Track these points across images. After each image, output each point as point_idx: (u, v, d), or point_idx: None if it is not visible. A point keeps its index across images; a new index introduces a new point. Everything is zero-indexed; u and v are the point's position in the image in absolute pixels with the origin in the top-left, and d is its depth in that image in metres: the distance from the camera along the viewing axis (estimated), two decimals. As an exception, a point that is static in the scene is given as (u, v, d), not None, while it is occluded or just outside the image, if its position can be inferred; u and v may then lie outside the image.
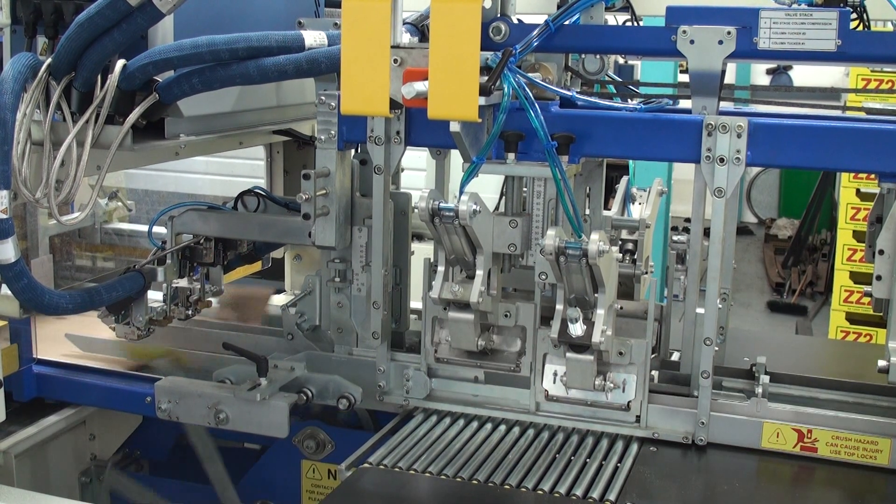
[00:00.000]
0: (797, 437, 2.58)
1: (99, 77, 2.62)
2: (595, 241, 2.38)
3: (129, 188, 6.41)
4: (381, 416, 3.02)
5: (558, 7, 2.59)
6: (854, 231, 6.72)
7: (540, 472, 2.50)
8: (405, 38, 2.48)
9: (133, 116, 2.62)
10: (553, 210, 2.79)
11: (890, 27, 2.87)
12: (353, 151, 2.88)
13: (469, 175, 2.47)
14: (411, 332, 3.08)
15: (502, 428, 2.76)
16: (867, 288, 2.57)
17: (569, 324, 2.54)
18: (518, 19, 2.61)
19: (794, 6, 2.40)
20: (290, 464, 3.19)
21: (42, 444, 3.14)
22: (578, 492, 2.40)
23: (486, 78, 2.28)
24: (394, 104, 2.36)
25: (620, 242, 3.07)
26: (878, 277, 2.50)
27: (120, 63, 2.59)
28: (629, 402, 2.66)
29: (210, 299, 3.20)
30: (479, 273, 2.61)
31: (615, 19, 2.99)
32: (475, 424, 2.79)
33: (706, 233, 2.57)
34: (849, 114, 2.65)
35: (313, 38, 2.66)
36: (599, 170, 2.94)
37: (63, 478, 3.30)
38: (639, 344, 2.64)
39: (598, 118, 2.57)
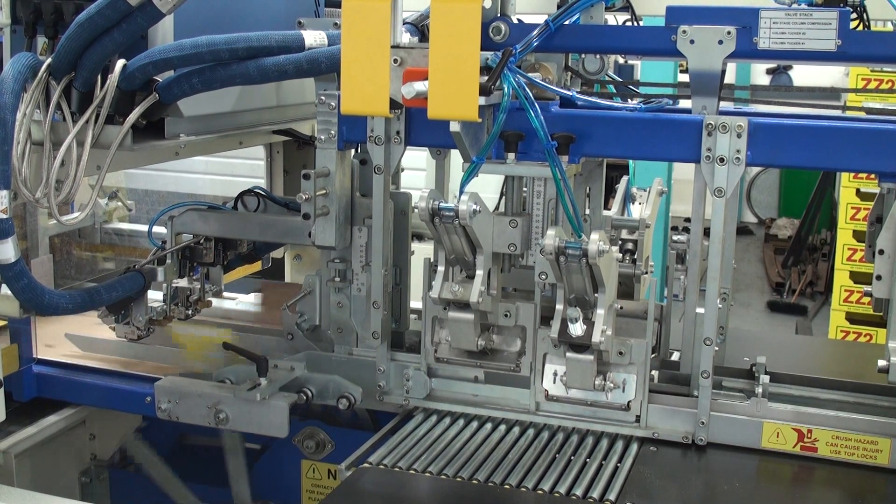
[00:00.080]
0: (797, 437, 2.58)
1: (99, 77, 2.62)
2: (595, 241, 2.38)
3: (129, 188, 6.40)
4: (381, 416, 3.02)
5: (558, 7, 2.59)
6: (854, 231, 6.72)
7: (540, 471, 2.50)
8: (405, 38, 2.48)
9: (133, 116, 2.62)
10: (553, 210, 2.79)
11: (890, 27, 2.87)
12: (353, 151, 2.89)
13: (469, 175, 2.47)
14: (411, 332, 3.08)
15: (502, 428, 2.76)
16: (867, 288, 2.57)
17: (569, 324, 2.54)
18: (518, 19, 2.61)
19: (794, 6, 2.40)
20: (290, 464, 3.19)
21: (42, 444, 3.13)
22: (578, 492, 2.41)
23: (486, 78, 2.28)
24: (394, 104, 2.36)
25: (620, 242, 3.07)
26: (878, 277, 2.50)
27: (120, 63, 2.59)
28: (629, 401, 2.66)
29: (210, 299, 3.20)
30: (479, 273, 2.61)
31: (615, 19, 2.99)
32: (475, 424, 2.79)
33: (706, 233, 2.57)
34: (849, 114, 2.65)
35: (313, 38, 2.66)
36: (599, 170, 2.94)
37: (63, 478, 3.30)
38: (639, 344, 2.64)
39: (598, 118, 2.57)
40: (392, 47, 2.31)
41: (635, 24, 2.81)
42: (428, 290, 2.71)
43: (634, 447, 2.63)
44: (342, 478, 2.55)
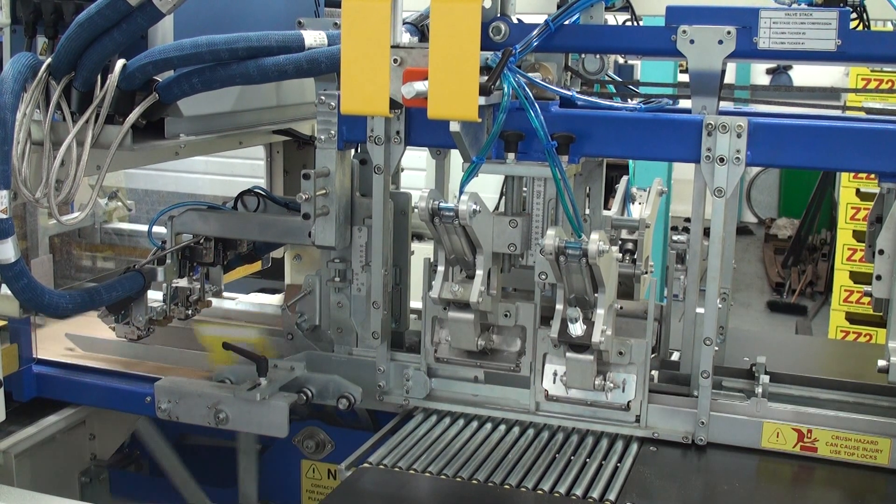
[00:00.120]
0: (797, 437, 2.58)
1: (99, 77, 2.62)
2: (595, 240, 2.38)
3: (129, 188, 6.41)
4: (381, 416, 3.02)
5: (558, 7, 2.59)
6: (854, 231, 6.72)
7: (540, 471, 2.50)
8: (405, 38, 2.48)
9: (133, 116, 2.62)
10: (553, 210, 2.79)
11: (890, 27, 2.87)
12: (353, 151, 2.89)
13: (469, 175, 2.47)
14: (411, 332, 3.08)
15: (502, 428, 2.76)
16: (867, 288, 2.57)
17: (569, 324, 2.54)
18: (518, 19, 2.61)
19: (794, 6, 2.40)
20: (291, 464, 3.19)
21: (42, 444, 3.13)
22: (578, 492, 2.40)
23: (486, 78, 2.28)
24: (394, 104, 2.36)
25: (620, 242, 3.07)
26: (878, 277, 2.50)
27: (120, 63, 2.59)
28: (629, 401, 2.66)
29: (210, 299, 3.20)
30: (479, 273, 2.61)
31: (615, 19, 2.99)
32: (475, 424, 2.79)
33: (706, 233, 2.57)
34: (849, 114, 2.65)
35: (313, 38, 2.66)
36: (599, 170, 2.94)
37: (63, 478, 3.30)
38: (639, 344, 2.64)
39: (598, 118, 2.57)
40: (392, 47, 2.32)
41: (635, 24, 2.81)
42: (428, 290, 2.71)
43: (634, 447, 2.63)
44: (342, 478, 2.55)
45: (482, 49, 2.26)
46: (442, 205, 2.51)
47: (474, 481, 2.46)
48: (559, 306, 2.58)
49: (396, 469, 2.52)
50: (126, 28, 2.50)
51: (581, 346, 2.58)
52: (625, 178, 3.30)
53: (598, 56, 2.68)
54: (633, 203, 3.23)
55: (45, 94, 2.62)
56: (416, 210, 2.56)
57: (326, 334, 3.04)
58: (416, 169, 4.79)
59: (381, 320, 2.85)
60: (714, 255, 2.56)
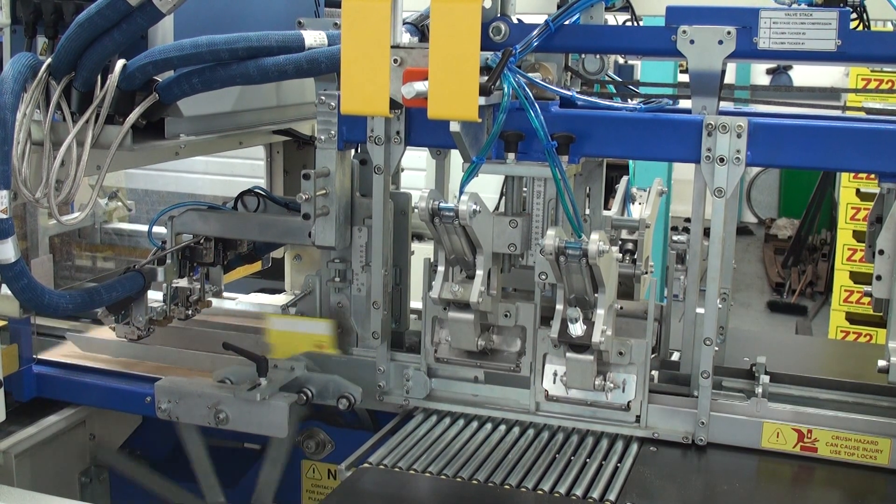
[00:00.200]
0: (797, 437, 2.58)
1: (99, 77, 2.62)
2: (595, 241, 2.38)
3: (129, 188, 6.41)
4: (381, 416, 3.02)
5: (558, 7, 2.59)
6: (854, 231, 6.72)
7: (540, 472, 2.50)
8: (405, 38, 2.48)
9: (133, 116, 2.62)
10: (553, 210, 2.79)
11: (890, 27, 2.87)
12: (353, 151, 2.89)
13: (469, 175, 2.47)
14: (411, 332, 3.08)
15: (502, 428, 2.76)
16: (867, 288, 2.57)
17: (569, 324, 2.54)
18: (518, 19, 2.61)
19: (794, 6, 2.40)
20: (291, 464, 3.19)
21: (42, 444, 3.13)
22: (578, 492, 2.40)
23: (486, 78, 2.28)
24: (394, 104, 2.36)
25: (620, 242, 3.07)
26: (878, 277, 2.50)
27: (120, 63, 2.59)
28: (629, 402, 2.66)
29: (210, 299, 3.20)
30: (479, 273, 2.61)
31: (615, 19, 2.99)
32: (475, 424, 2.78)
33: (706, 233, 2.57)
34: (849, 114, 2.65)
35: (313, 38, 2.66)
36: (599, 170, 2.94)
37: (63, 478, 3.30)
38: (639, 344, 2.64)
39: (598, 118, 2.57)
40: (392, 47, 2.31)
41: (635, 24, 2.81)
42: (428, 290, 2.71)
43: (634, 447, 2.63)
44: (342, 478, 2.55)
45: (482, 49, 2.26)
46: (442, 205, 2.51)
47: (474, 481, 2.46)
48: (559, 306, 2.58)
49: (396, 469, 2.52)
50: (126, 28, 2.50)
51: (581, 346, 2.58)
52: (625, 178, 3.30)
53: (598, 56, 2.68)
54: (633, 203, 3.24)
55: (46, 94, 2.63)
56: (416, 210, 2.56)
57: (326, 334, 3.04)
58: (416, 169, 4.79)
59: (381, 320, 2.85)
60: (714, 256, 2.56)
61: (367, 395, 2.91)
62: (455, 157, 2.80)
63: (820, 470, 2.55)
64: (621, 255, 3.03)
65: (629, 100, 2.68)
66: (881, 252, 2.48)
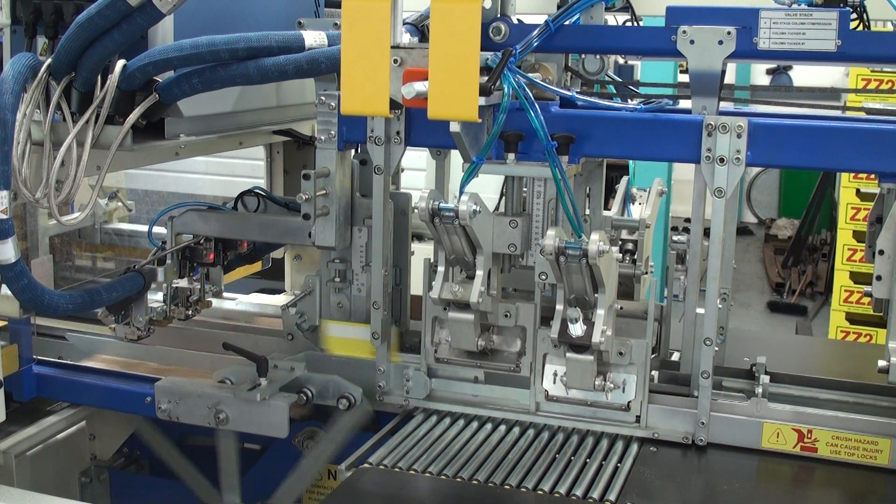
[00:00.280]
0: (797, 437, 2.58)
1: (99, 77, 2.62)
2: (595, 241, 2.38)
3: (129, 188, 6.41)
4: (381, 417, 3.01)
5: (558, 7, 2.59)
6: (854, 231, 6.72)
7: (540, 472, 2.50)
8: (405, 38, 2.48)
9: (133, 116, 2.62)
10: (553, 210, 2.79)
11: (890, 27, 2.87)
12: (353, 151, 2.89)
13: (469, 175, 2.47)
14: (411, 332, 3.08)
15: (502, 428, 2.76)
16: (867, 288, 2.57)
17: (569, 324, 2.54)
18: (518, 19, 2.61)
19: (794, 6, 2.40)
20: (290, 464, 3.19)
21: (42, 444, 3.13)
22: (578, 492, 2.41)
23: (486, 78, 2.28)
24: (394, 104, 2.36)
25: (620, 242, 3.07)
26: (878, 277, 2.50)
27: (120, 63, 2.59)
28: (629, 402, 2.66)
29: (210, 299, 3.20)
30: (479, 273, 2.61)
31: (615, 19, 2.99)
32: (475, 424, 2.79)
33: (706, 233, 2.57)
34: (849, 114, 2.65)
35: (313, 38, 2.66)
36: (599, 170, 2.94)
37: (63, 478, 3.30)
38: (639, 344, 2.64)
39: (598, 118, 2.57)
40: (392, 47, 2.31)
41: (635, 24, 2.81)
42: (428, 290, 2.71)
43: (634, 447, 2.63)
44: (342, 478, 2.55)
45: (482, 49, 2.26)
46: (442, 205, 2.51)
47: (474, 482, 2.46)
48: (559, 306, 2.58)
49: (397, 469, 2.52)
50: (126, 28, 2.50)
51: (581, 346, 2.58)
52: (625, 178, 3.30)
53: (598, 56, 2.68)
54: (633, 203, 3.24)
55: (46, 94, 2.63)
56: (416, 210, 2.56)
57: (326, 334, 3.04)
58: (416, 169, 4.78)
59: (381, 320, 2.85)
60: (714, 256, 2.56)
61: (367, 395, 2.91)
62: (455, 157, 2.80)
63: (820, 470, 2.56)
64: (621, 255, 3.03)
65: (629, 100, 2.68)
66: (881, 252, 2.48)
